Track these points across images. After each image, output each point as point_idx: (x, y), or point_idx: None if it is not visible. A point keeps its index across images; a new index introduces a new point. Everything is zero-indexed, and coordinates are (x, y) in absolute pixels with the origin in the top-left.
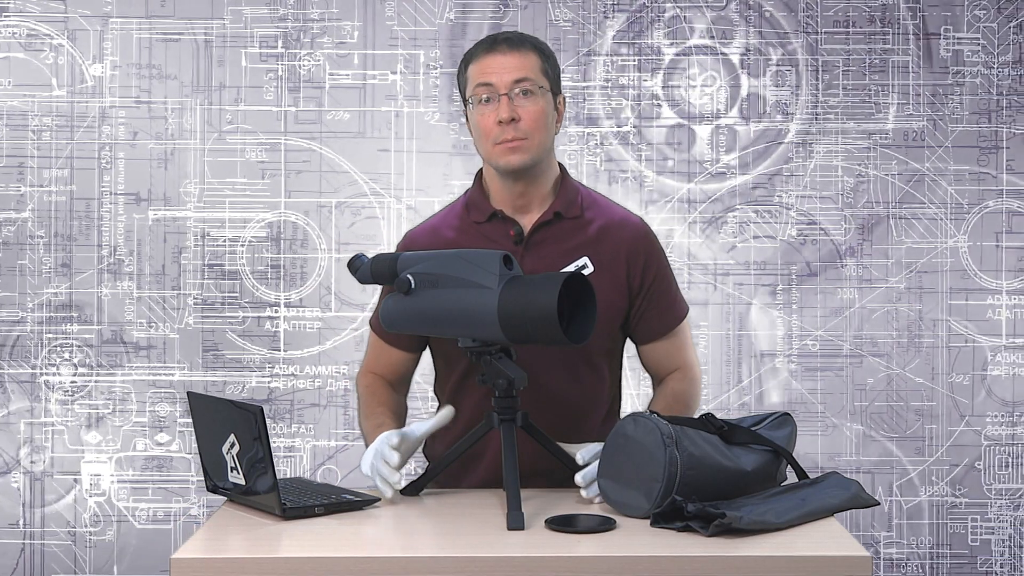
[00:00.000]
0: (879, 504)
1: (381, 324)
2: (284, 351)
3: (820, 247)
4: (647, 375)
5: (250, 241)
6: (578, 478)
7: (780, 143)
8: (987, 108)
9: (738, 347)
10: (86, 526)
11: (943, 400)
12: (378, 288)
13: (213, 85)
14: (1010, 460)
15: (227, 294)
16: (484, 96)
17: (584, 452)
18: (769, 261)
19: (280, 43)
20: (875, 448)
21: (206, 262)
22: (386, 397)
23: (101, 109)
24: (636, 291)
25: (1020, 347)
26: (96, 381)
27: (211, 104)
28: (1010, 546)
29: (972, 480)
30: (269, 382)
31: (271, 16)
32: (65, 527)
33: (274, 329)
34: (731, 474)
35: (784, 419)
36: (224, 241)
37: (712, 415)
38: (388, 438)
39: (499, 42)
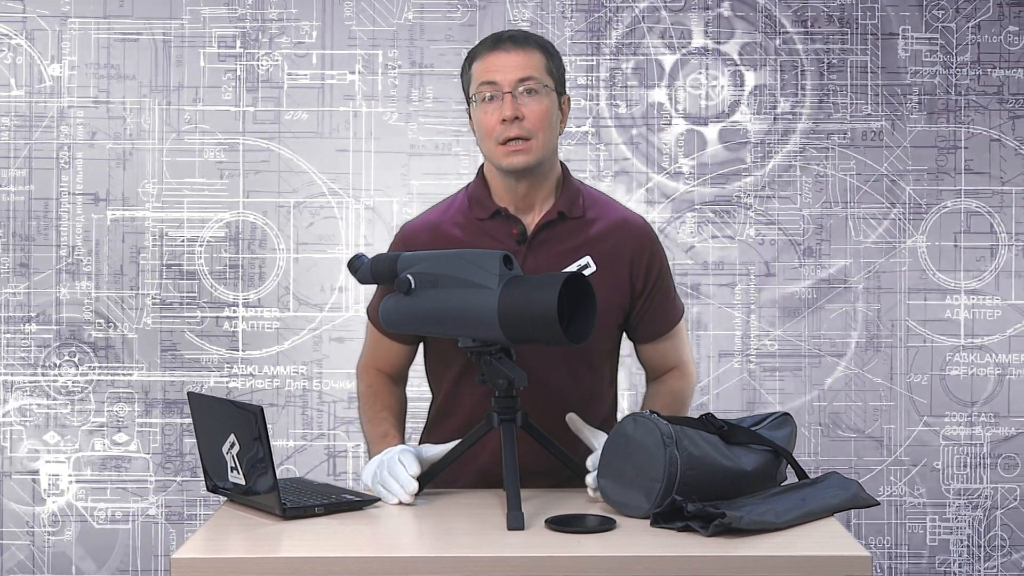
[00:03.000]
0: (879, 504)
1: (381, 325)
2: (242, 351)
3: (778, 247)
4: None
5: (208, 241)
6: (589, 479)
7: (738, 143)
8: (945, 108)
9: (696, 347)
10: (44, 526)
11: (901, 400)
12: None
13: (171, 85)
14: (968, 460)
15: (185, 294)
16: (488, 94)
17: (594, 458)
18: (727, 261)
19: (238, 43)
20: (833, 448)
21: (164, 262)
22: (389, 399)
23: (59, 109)
24: (639, 292)
25: (978, 347)
26: (54, 381)
27: (169, 104)
28: (968, 546)
29: (930, 480)
30: (227, 382)
31: (229, 16)
32: (23, 527)
33: (232, 329)
34: (731, 474)
35: (784, 419)
36: (182, 241)
37: (712, 415)
38: (403, 458)
39: (504, 40)
